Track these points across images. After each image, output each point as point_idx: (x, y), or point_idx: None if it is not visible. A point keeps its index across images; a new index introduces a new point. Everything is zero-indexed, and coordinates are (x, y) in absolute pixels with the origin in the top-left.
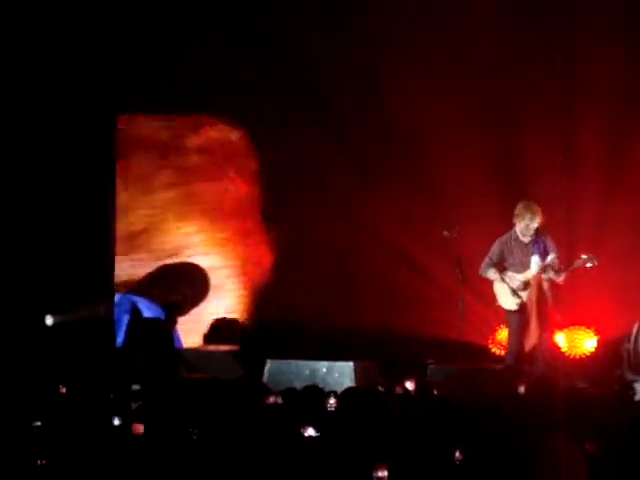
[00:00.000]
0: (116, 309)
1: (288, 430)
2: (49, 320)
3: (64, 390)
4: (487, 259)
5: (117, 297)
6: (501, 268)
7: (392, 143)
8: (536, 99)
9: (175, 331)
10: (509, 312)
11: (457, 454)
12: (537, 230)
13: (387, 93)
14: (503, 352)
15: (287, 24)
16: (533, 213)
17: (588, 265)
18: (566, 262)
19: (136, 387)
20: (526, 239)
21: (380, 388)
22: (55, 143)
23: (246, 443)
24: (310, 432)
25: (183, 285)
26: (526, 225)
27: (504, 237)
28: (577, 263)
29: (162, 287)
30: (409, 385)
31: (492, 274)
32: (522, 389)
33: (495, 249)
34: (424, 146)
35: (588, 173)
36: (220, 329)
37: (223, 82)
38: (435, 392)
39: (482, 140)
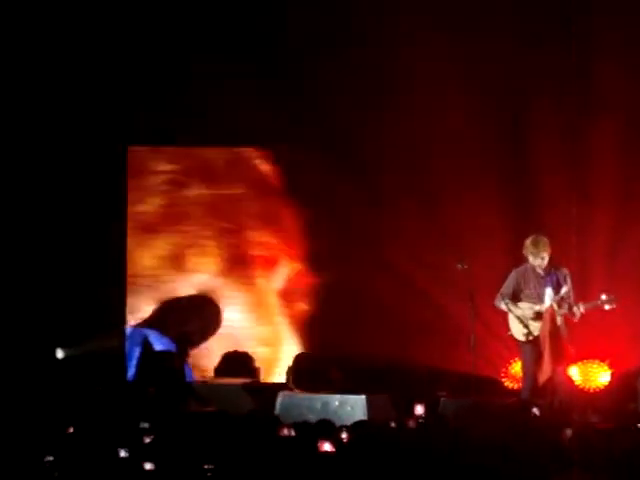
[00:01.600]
0: (127, 342)
1: (301, 462)
2: (60, 353)
3: (72, 429)
4: (503, 289)
5: (128, 330)
6: (516, 299)
7: (406, 174)
8: (549, 129)
9: (186, 364)
10: (522, 343)
11: None
12: (550, 262)
13: (402, 123)
14: (516, 385)
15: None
16: (538, 248)
17: (607, 307)
18: (580, 295)
19: (145, 425)
20: (541, 271)
21: (392, 423)
22: (69, 178)
23: (260, 476)
24: (327, 447)
25: (193, 318)
26: (533, 259)
27: (521, 268)
28: (594, 304)
29: (172, 320)
30: (419, 409)
31: (504, 305)
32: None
33: (511, 279)
34: (438, 177)
35: (600, 203)
36: (231, 362)
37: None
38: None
39: (496, 171)
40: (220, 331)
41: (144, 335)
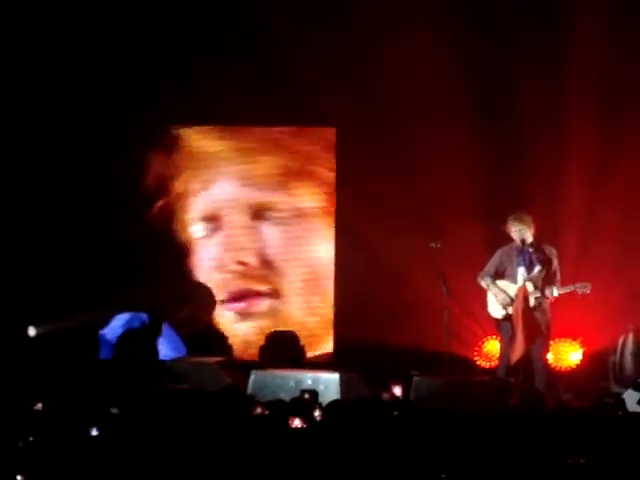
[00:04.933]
0: (127, 326)
1: (274, 440)
2: (32, 331)
3: (40, 406)
4: (486, 267)
5: (128, 316)
6: (501, 278)
7: (379, 154)
8: (524, 113)
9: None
10: (499, 321)
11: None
12: (523, 241)
13: (372, 100)
14: (489, 364)
15: None
16: (519, 224)
17: (580, 292)
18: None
19: (114, 410)
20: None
21: (365, 400)
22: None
23: (233, 453)
24: (297, 423)
25: (185, 303)
26: (515, 236)
27: (506, 247)
28: (568, 288)
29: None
30: (397, 390)
31: (486, 283)
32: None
33: (495, 258)
34: (411, 156)
35: (574, 186)
36: (205, 340)
37: None
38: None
39: (470, 150)
40: None
41: (143, 320)
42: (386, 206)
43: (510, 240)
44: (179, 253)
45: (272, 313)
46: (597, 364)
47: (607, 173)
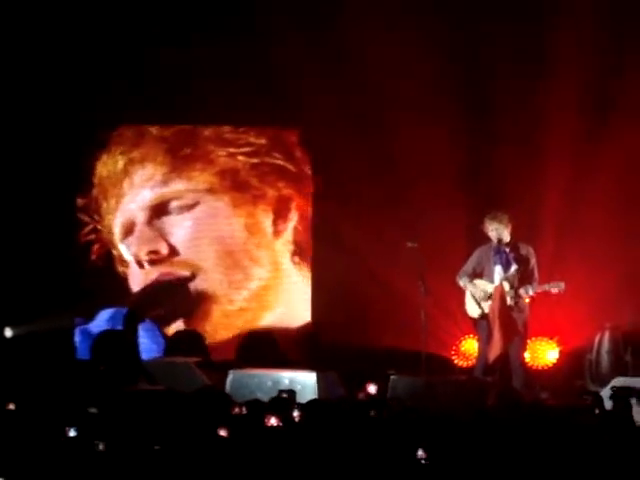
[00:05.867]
0: (110, 322)
1: (252, 439)
2: (8, 332)
3: (12, 407)
4: (464, 267)
5: (112, 311)
6: (479, 277)
7: (358, 154)
8: (502, 112)
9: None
10: (476, 321)
11: (420, 453)
12: (500, 240)
13: (354, 99)
14: (466, 363)
15: None
16: (495, 223)
17: (554, 291)
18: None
19: (93, 410)
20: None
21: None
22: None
23: (210, 453)
24: (273, 422)
25: (162, 298)
26: (492, 235)
27: (485, 246)
28: (542, 287)
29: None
30: (372, 389)
31: (463, 282)
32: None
33: (473, 257)
34: (389, 155)
35: (551, 185)
36: (181, 341)
37: None
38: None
39: (448, 148)
40: None
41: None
42: (363, 206)
43: (488, 239)
44: (121, 284)
45: (197, 293)
46: (574, 363)
47: (585, 172)
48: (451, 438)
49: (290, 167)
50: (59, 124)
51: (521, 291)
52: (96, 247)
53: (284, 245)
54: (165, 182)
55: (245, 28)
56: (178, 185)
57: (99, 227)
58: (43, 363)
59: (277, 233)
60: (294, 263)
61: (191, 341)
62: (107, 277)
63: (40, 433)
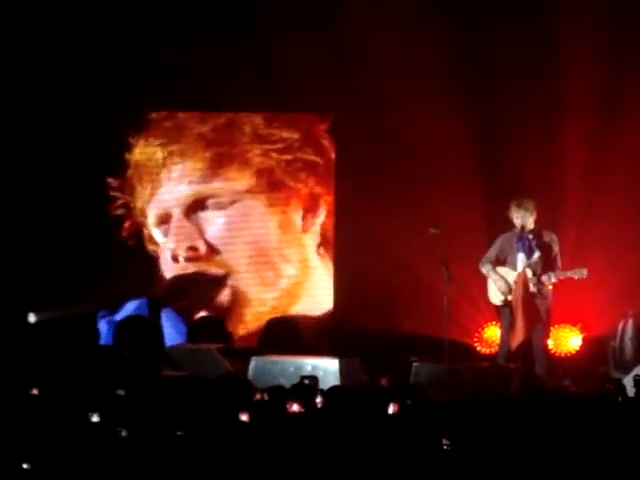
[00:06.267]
0: (137, 312)
1: (274, 425)
2: (32, 318)
3: (35, 391)
4: (487, 254)
5: (137, 302)
6: (502, 264)
7: (376, 140)
8: (521, 98)
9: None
10: (499, 308)
11: (445, 440)
12: (523, 227)
13: (370, 87)
14: (488, 350)
15: None
16: (520, 209)
17: (577, 277)
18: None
19: (121, 392)
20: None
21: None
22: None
23: (234, 441)
24: (295, 408)
25: (192, 291)
26: (516, 220)
27: (508, 233)
28: (565, 274)
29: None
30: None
31: (486, 269)
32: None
33: (496, 245)
34: (409, 141)
35: (573, 171)
36: (204, 327)
37: None
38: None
39: (468, 134)
40: None
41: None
42: (385, 192)
43: (512, 226)
44: (150, 263)
45: (230, 294)
46: (597, 350)
47: (606, 158)
48: (474, 425)
49: (320, 161)
50: (96, 103)
51: (544, 278)
52: (127, 224)
53: (312, 239)
54: (203, 179)
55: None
56: (216, 183)
57: (131, 205)
58: (66, 348)
59: (306, 229)
60: (319, 255)
61: (214, 328)
62: (136, 257)
63: (63, 418)
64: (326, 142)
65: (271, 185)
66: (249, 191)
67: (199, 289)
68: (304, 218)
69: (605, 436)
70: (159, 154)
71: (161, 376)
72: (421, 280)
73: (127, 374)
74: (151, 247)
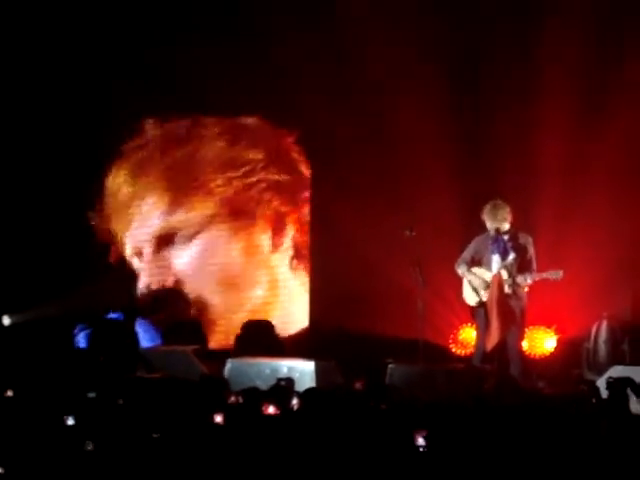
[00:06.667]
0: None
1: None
2: (6, 320)
3: (10, 393)
4: (462, 255)
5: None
6: (478, 265)
7: (355, 141)
8: (497, 99)
9: (152, 329)
10: (474, 309)
11: (420, 440)
12: (498, 230)
13: (353, 91)
14: (464, 351)
15: None
16: (495, 213)
17: (552, 278)
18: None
19: (92, 394)
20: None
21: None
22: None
23: (209, 443)
24: (271, 410)
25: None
26: (490, 224)
27: (483, 235)
28: (541, 275)
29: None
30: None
31: (462, 270)
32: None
33: (471, 246)
34: (387, 143)
35: (547, 173)
36: (180, 329)
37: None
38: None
39: (446, 136)
40: None
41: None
42: (359, 195)
43: (487, 227)
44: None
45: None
46: (571, 351)
47: (582, 160)
48: (449, 426)
49: (285, 179)
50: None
51: (519, 279)
52: (113, 249)
53: (282, 254)
54: (168, 213)
55: (245, 28)
56: (180, 216)
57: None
58: (41, 351)
59: (275, 247)
60: (292, 268)
61: (190, 330)
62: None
63: (38, 421)
64: (295, 155)
65: (234, 212)
66: (212, 221)
67: (172, 304)
68: (272, 238)
69: (579, 438)
70: (126, 189)
71: (136, 378)
72: (396, 282)
73: (102, 376)
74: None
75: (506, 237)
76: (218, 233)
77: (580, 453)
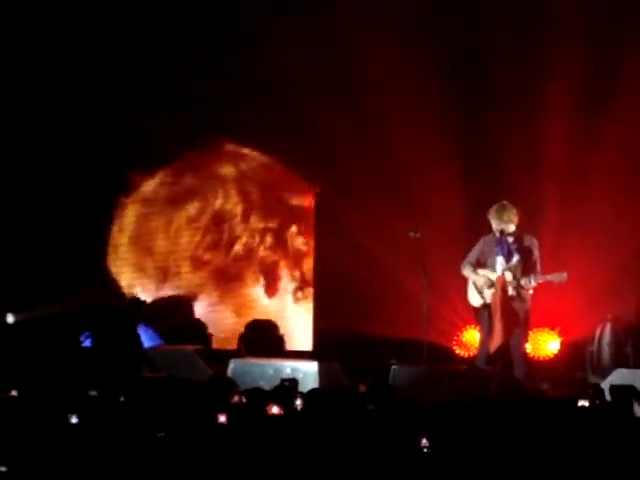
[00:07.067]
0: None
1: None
2: (10, 318)
3: (14, 393)
4: (468, 256)
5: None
6: (483, 267)
7: (359, 142)
8: (503, 105)
9: (150, 330)
10: (478, 311)
11: (424, 441)
12: (502, 231)
13: (352, 92)
14: (467, 353)
15: None
16: (501, 215)
17: (557, 281)
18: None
19: (94, 392)
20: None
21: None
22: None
23: (212, 443)
24: (274, 410)
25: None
26: (496, 225)
27: (489, 236)
28: (545, 277)
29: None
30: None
31: (467, 271)
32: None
33: (477, 247)
34: (391, 145)
35: (553, 175)
36: (184, 329)
37: None
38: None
39: (451, 140)
40: None
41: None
42: (364, 197)
43: (492, 229)
44: None
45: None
46: (575, 354)
47: (587, 163)
48: (453, 428)
49: (271, 225)
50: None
51: (523, 281)
52: None
53: (282, 295)
54: (158, 290)
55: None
56: (170, 290)
57: None
58: (46, 350)
59: (271, 294)
60: (297, 300)
61: (194, 329)
62: None
63: (41, 419)
64: (283, 188)
65: (223, 276)
66: (202, 290)
67: (176, 312)
68: (266, 286)
69: (583, 439)
70: (126, 236)
71: (140, 377)
72: (400, 284)
73: (106, 376)
74: None
75: (511, 239)
76: (208, 302)
77: (585, 454)
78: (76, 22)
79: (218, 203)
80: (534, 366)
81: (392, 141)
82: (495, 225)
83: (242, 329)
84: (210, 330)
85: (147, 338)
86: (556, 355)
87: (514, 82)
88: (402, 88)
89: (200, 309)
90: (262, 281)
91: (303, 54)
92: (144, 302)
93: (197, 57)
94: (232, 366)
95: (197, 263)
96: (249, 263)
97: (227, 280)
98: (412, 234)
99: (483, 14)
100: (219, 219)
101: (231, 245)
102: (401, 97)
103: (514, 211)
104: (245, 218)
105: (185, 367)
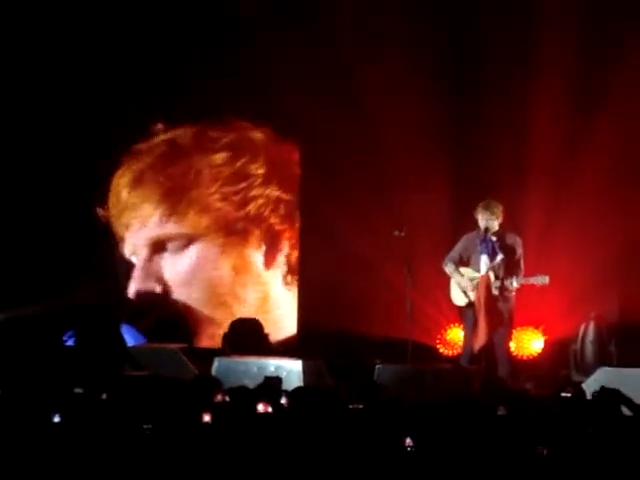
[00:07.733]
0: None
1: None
2: None
3: None
4: (451, 253)
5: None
6: (466, 264)
7: (344, 141)
8: (490, 102)
9: (134, 329)
10: (462, 309)
11: (408, 440)
12: (487, 229)
13: (342, 90)
14: (451, 352)
15: None
16: (487, 211)
17: (539, 284)
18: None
19: (79, 390)
20: (479, 238)
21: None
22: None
23: (197, 442)
24: (260, 408)
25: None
26: (481, 222)
27: (472, 233)
28: (527, 280)
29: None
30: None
31: (450, 269)
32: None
33: (460, 244)
34: (377, 144)
35: (538, 175)
36: (167, 327)
37: None
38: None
39: (437, 139)
40: None
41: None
42: (350, 194)
43: (476, 227)
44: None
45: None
46: (559, 352)
47: (571, 162)
48: (437, 426)
49: (286, 196)
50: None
51: (506, 282)
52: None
53: (276, 273)
54: (162, 222)
55: (244, 42)
56: (174, 227)
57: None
58: (28, 349)
59: (268, 265)
60: (286, 284)
61: (177, 327)
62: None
63: (25, 419)
64: (298, 172)
65: (228, 228)
66: (205, 234)
67: (158, 312)
68: (266, 255)
69: (567, 437)
70: (126, 192)
71: (124, 375)
72: (384, 282)
73: (89, 374)
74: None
75: (494, 237)
76: (209, 246)
77: (569, 452)
78: (76, 22)
79: (243, 161)
80: (518, 365)
81: (377, 140)
82: (482, 221)
83: (239, 290)
84: (206, 287)
85: (131, 337)
86: (540, 354)
87: (500, 82)
88: (388, 88)
89: (197, 254)
90: (263, 248)
91: (296, 54)
92: (128, 300)
93: (197, 57)
94: (216, 364)
95: (207, 209)
96: (257, 226)
97: (231, 233)
98: (397, 233)
99: (474, 13)
100: (240, 176)
101: (245, 204)
102: (387, 97)
103: (500, 207)
104: (265, 183)
105: (170, 366)
